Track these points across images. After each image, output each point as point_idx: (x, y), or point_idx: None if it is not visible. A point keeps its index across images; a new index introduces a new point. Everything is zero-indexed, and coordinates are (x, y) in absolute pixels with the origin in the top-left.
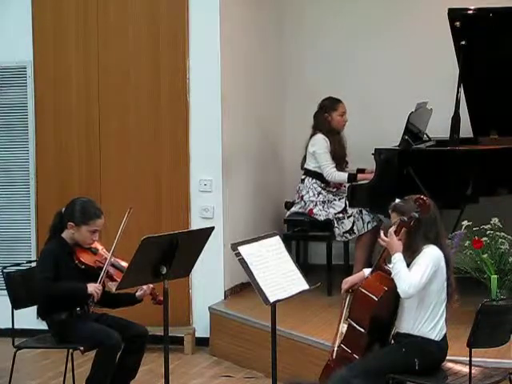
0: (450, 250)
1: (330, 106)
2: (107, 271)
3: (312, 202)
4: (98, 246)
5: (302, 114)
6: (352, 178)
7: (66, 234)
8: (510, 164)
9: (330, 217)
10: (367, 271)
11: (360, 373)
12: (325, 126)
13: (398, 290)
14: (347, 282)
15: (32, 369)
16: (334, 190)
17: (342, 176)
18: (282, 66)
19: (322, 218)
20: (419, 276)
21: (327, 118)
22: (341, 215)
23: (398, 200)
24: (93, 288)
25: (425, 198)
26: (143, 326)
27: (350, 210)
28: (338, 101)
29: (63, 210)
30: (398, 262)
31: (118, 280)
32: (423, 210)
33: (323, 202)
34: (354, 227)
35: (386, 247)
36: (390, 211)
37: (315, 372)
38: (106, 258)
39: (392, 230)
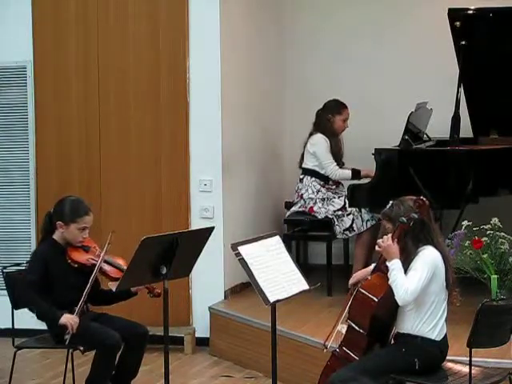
0: (447, 248)
1: (335, 108)
2: (101, 268)
3: (311, 199)
4: (90, 243)
5: (302, 114)
6: (356, 173)
7: (56, 235)
8: (510, 164)
9: (330, 214)
10: None
11: (360, 373)
12: (326, 126)
13: (396, 298)
14: (354, 277)
15: (32, 369)
16: (334, 187)
17: (346, 173)
18: (281, 65)
19: (321, 215)
20: (416, 282)
21: (330, 119)
22: (340, 213)
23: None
24: (66, 319)
25: (424, 199)
26: (143, 325)
27: (349, 208)
28: (344, 106)
29: (52, 210)
30: (395, 269)
31: (113, 276)
32: (423, 211)
33: (322, 200)
34: (354, 225)
35: (382, 253)
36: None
37: (315, 372)
38: (98, 255)
39: (389, 235)
